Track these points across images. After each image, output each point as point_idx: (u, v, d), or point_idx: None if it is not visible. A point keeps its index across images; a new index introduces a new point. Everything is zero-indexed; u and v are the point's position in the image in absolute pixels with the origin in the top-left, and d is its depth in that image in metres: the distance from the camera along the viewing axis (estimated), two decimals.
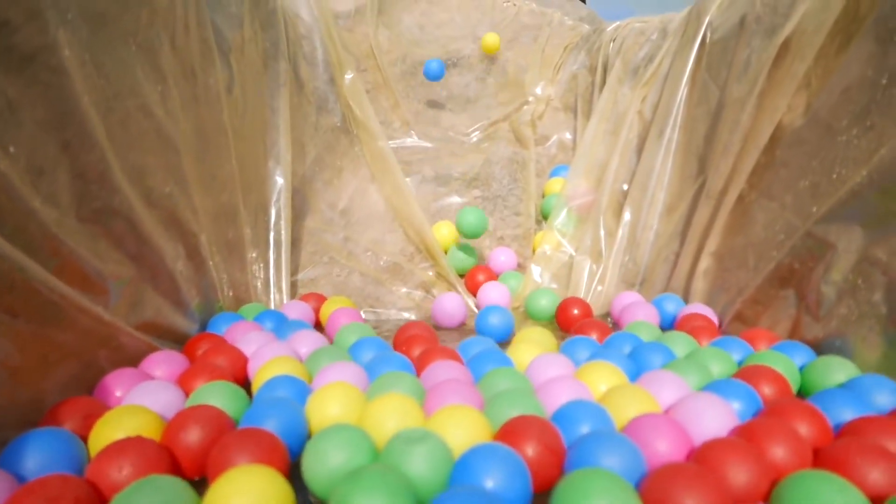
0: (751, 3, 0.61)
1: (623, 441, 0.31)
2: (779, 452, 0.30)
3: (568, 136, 0.99)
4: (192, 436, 0.34)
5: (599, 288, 0.71)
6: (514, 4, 1.48)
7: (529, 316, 0.66)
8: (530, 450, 0.31)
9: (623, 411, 0.35)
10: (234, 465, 0.31)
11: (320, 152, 0.88)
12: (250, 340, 0.50)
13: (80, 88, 0.39)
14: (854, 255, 0.44)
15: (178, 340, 0.51)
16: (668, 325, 0.61)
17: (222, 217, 0.61)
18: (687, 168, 0.68)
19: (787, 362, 0.43)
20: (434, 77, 1.00)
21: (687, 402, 0.35)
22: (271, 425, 0.35)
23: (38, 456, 0.31)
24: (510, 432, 0.32)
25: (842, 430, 0.33)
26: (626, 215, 0.72)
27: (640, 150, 0.77)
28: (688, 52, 0.71)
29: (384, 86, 1.11)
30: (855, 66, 0.47)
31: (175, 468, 0.33)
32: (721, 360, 0.44)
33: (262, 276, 0.67)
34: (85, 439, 0.34)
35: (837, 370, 0.42)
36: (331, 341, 0.55)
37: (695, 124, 0.68)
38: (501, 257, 0.78)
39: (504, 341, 0.57)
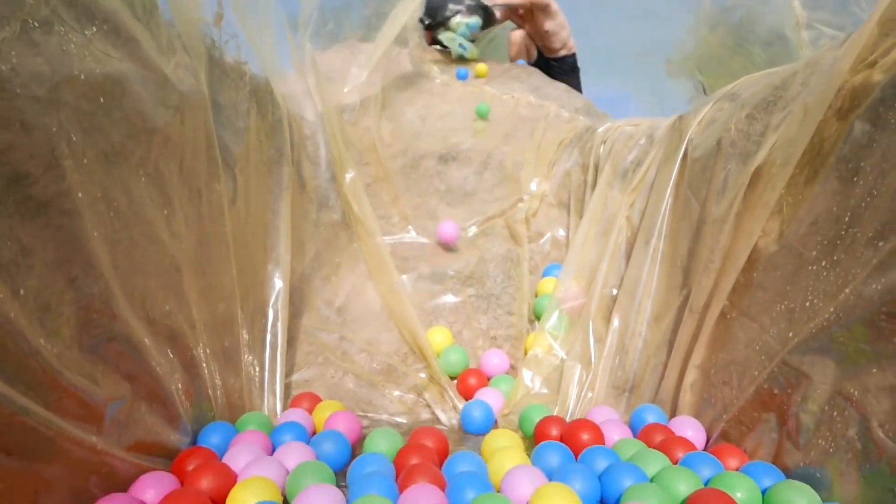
0: (726, 127, 0.65)
1: None
2: None
3: (561, 232, 1.02)
4: None
5: (589, 394, 0.72)
6: (514, 97, 1.55)
7: (522, 430, 0.66)
8: None
9: None
10: None
11: (319, 249, 0.91)
12: (239, 455, 0.51)
13: (91, 226, 0.42)
14: (828, 387, 0.45)
15: (170, 456, 0.52)
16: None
17: (220, 326, 0.63)
18: (672, 279, 0.70)
19: (751, 485, 0.44)
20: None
21: None
22: None
23: None
24: None
25: None
26: (615, 322, 0.74)
27: (628, 255, 0.79)
28: (671, 166, 0.74)
29: (385, 180, 1.15)
30: (821, 200, 0.50)
31: None
32: (688, 480, 0.45)
33: (256, 380, 0.69)
34: None
35: (799, 497, 0.42)
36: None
37: (678, 237, 0.70)
38: (494, 360, 0.79)
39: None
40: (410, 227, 1.03)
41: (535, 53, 1.97)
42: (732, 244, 0.59)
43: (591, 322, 0.75)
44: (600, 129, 1.06)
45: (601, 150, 1.01)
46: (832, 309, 0.45)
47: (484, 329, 0.86)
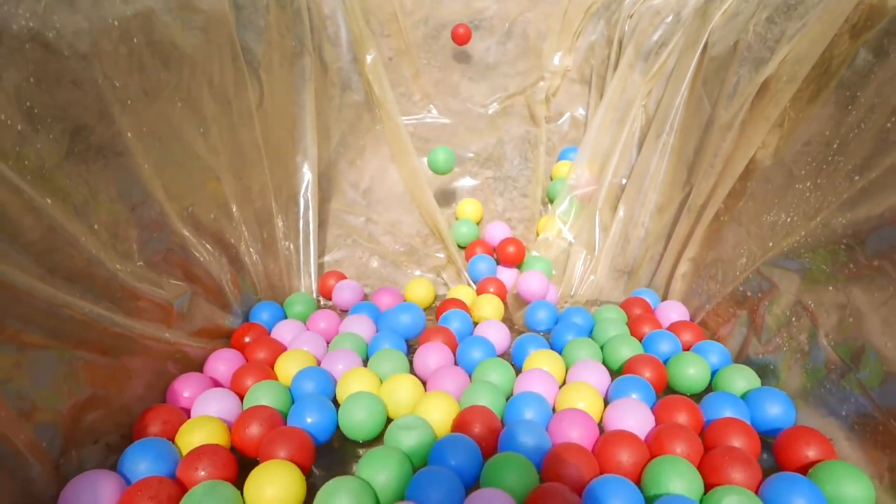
0: (745, 27, 0.64)
1: (535, 428, 0.46)
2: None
3: (581, 112, 1.03)
4: (253, 431, 0.46)
5: (592, 277, 0.79)
6: None
7: None
8: (476, 429, 0.47)
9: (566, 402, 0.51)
10: (274, 457, 0.43)
11: (344, 132, 0.95)
12: (284, 330, 0.63)
13: (141, 159, 0.47)
14: (791, 297, 0.52)
15: (227, 336, 0.62)
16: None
17: (258, 220, 0.70)
18: (678, 174, 0.73)
19: (703, 364, 0.55)
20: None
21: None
22: (308, 421, 0.48)
23: (144, 461, 0.42)
24: (464, 419, 0.48)
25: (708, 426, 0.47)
26: (621, 212, 0.79)
27: (640, 144, 0.82)
28: (690, 58, 0.74)
29: (406, 53, 1.14)
30: (817, 122, 0.52)
31: (235, 468, 0.44)
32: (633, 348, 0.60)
33: (293, 263, 0.77)
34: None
35: (740, 378, 0.53)
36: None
37: (688, 134, 0.72)
38: (495, 231, 0.86)
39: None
40: (432, 105, 1.05)
41: None
42: (734, 151, 0.62)
43: (598, 213, 0.80)
44: (628, 1, 1.01)
45: (626, 25, 0.98)
46: (803, 232, 0.49)
47: (500, 211, 0.92)
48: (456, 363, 0.59)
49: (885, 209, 0.41)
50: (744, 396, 0.52)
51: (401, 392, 0.52)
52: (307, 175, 0.81)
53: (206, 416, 0.48)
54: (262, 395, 0.51)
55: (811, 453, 0.44)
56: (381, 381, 0.55)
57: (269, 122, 0.72)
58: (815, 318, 0.49)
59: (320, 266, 0.82)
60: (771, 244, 0.55)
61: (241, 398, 0.52)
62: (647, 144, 0.78)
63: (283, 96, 0.77)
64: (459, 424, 0.48)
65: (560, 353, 0.60)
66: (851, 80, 0.49)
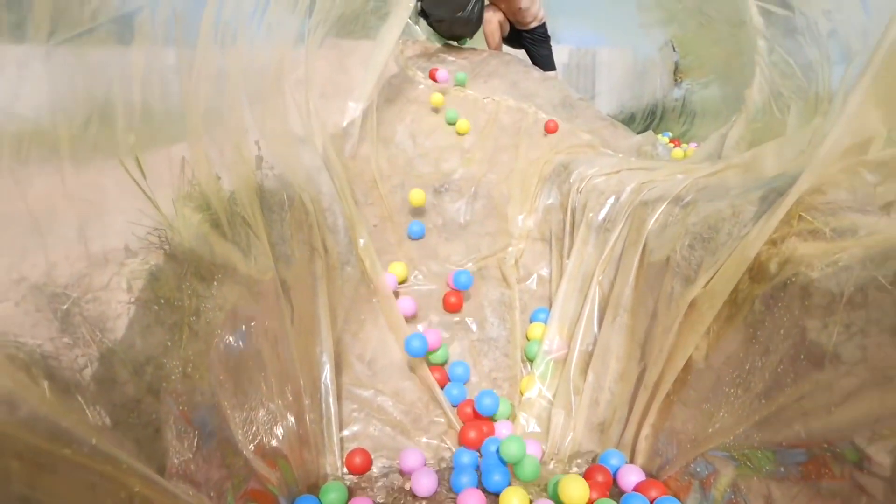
0: (672, 247, 0.84)
1: None
2: None
3: (545, 271, 1.22)
4: None
5: (571, 434, 0.95)
6: (494, 100, 1.69)
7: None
8: None
9: None
10: None
11: (347, 308, 1.10)
12: None
13: (229, 411, 0.61)
14: (729, 479, 0.68)
15: None
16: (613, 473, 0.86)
17: (296, 417, 0.83)
18: (633, 351, 0.91)
19: None
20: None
21: None
22: None
23: None
24: None
25: None
26: (590, 377, 0.96)
27: (601, 318, 1.00)
28: (633, 257, 0.93)
29: (389, 219, 1.32)
30: (732, 344, 0.71)
31: None
32: None
33: (320, 444, 0.90)
34: None
35: None
36: None
37: (638, 319, 0.91)
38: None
39: None
40: (417, 272, 1.21)
41: (507, 28, 2.07)
42: (675, 347, 0.80)
43: (570, 376, 0.97)
44: (573, 176, 1.22)
45: (577, 199, 1.18)
46: (732, 437, 0.67)
47: (486, 372, 1.07)
48: None
49: (781, 438, 0.59)
50: None
51: None
52: (326, 364, 0.95)
53: None
54: None
55: None
56: None
57: (298, 330, 0.87)
58: (746, 500, 0.66)
59: (340, 440, 0.95)
60: (710, 431, 0.73)
61: None
62: (605, 323, 0.96)
63: (303, 302, 0.92)
64: None
65: None
66: (751, 320, 0.68)
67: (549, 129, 1.50)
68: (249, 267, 0.67)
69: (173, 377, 0.51)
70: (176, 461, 0.51)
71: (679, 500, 0.77)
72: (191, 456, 0.53)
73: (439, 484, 0.84)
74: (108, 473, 0.39)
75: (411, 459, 0.87)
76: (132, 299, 0.50)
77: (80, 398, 0.41)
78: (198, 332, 0.55)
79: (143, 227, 0.53)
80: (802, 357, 0.59)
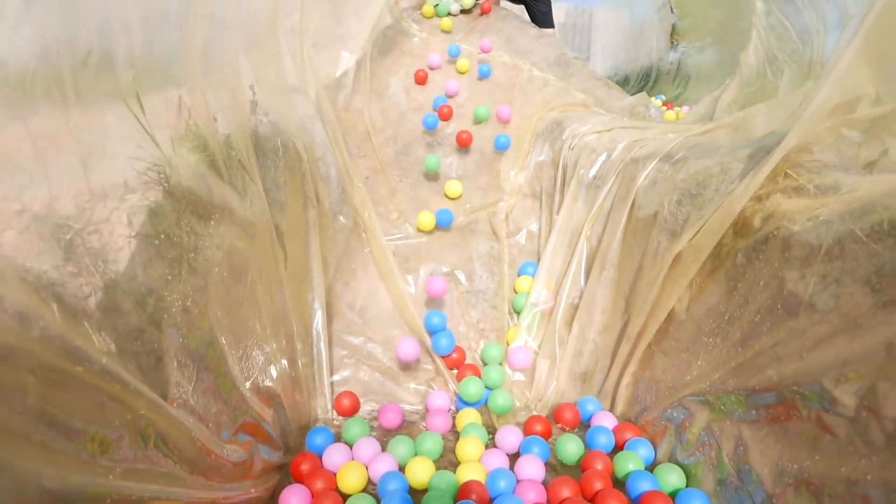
0: (661, 202, 0.86)
1: None
2: None
3: (534, 227, 1.23)
4: None
5: (554, 382, 0.98)
6: (489, 57, 1.67)
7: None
8: None
9: None
10: None
11: (338, 258, 1.11)
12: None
13: (228, 348, 0.63)
14: (704, 422, 0.72)
15: (275, 469, 0.77)
16: (587, 419, 0.90)
17: (289, 360, 0.85)
18: (617, 304, 0.94)
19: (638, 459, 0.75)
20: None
21: None
22: None
23: None
24: None
25: None
26: (575, 329, 0.99)
27: (587, 271, 1.02)
28: (622, 212, 0.95)
29: (381, 171, 1.32)
30: (714, 296, 0.73)
31: None
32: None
33: (312, 388, 0.93)
34: None
35: (672, 474, 0.71)
36: None
37: (623, 273, 0.93)
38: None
39: None
40: (408, 224, 1.23)
41: None
42: (658, 299, 0.83)
43: (556, 330, 1.00)
44: (566, 133, 1.23)
45: (568, 155, 1.19)
46: (708, 382, 0.70)
47: (474, 322, 1.10)
48: None
49: (755, 383, 0.62)
50: (674, 494, 0.71)
51: None
52: (318, 310, 0.97)
53: None
54: None
55: None
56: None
57: (291, 276, 0.88)
58: (719, 442, 0.69)
59: (331, 384, 0.98)
60: (688, 378, 0.76)
61: None
62: (592, 276, 0.99)
63: (297, 249, 0.93)
64: None
65: None
66: (733, 272, 0.70)
67: (462, 141, 1.34)
68: (245, 209, 0.68)
69: (174, 310, 0.52)
70: (177, 391, 0.53)
71: (654, 444, 0.81)
72: (190, 388, 0.55)
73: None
74: (116, 394, 0.41)
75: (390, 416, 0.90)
76: (133, 233, 0.51)
77: (86, 324, 0.42)
78: (196, 269, 0.57)
79: (142, 163, 0.53)
80: (779, 306, 0.61)
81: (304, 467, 0.77)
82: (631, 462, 0.76)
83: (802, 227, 0.61)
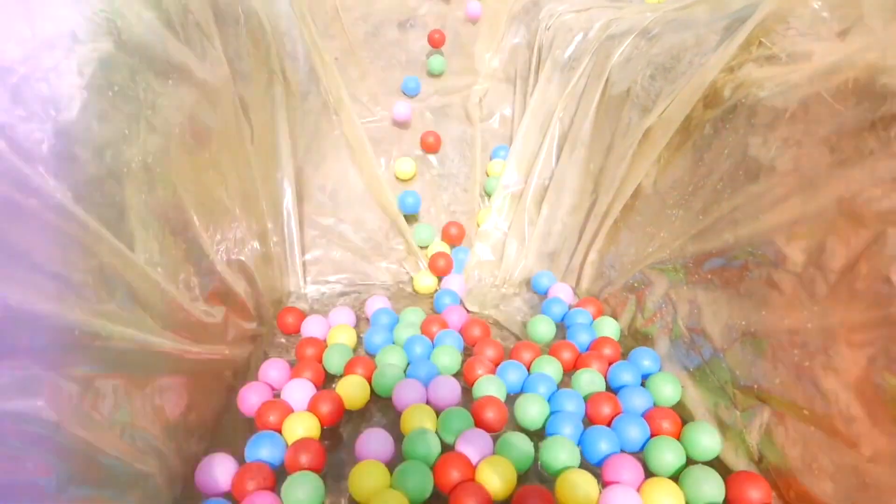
0: (634, 78, 0.85)
1: None
2: None
3: (508, 111, 1.21)
4: None
5: (523, 262, 1.01)
6: None
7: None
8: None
9: None
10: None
11: (308, 139, 1.09)
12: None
13: (193, 212, 0.63)
14: (662, 290, 0.75)
15: (252, 338, 0.80)
16: (542, 292, 0.94)
17: (259, 237, 0.85)
18: (586, 184, 0.95)
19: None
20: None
21: None
22: None
23: (264, 450, 0.61)
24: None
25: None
26: (544, 210, 1.00)
27: (559, 152, 1.02)
28: (595, 90, 0.94)
29: (351, 53, 1.27)
30: (680, 168, 0.74)
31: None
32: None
33: (284, 266, 0.94)
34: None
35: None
36: None
37: (593, 153, 0.93)
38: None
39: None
40: (379, 107, 1.20)
41: None
42: (626, 177, 0.84)
43: (526, 208, 1.01)
44: (542, 13, 1.18)
45: (544, 36, 1.15)
46: (669, 251, 0.72)
47: (445, 205, 1.11)
48: None
49: (712, 247, 0.64)
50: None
51: None
52: (287, 189, 0.96)
53: (302, 413, 0.66)
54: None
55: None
56: None
57: (258, 152, 0.87)
58: (675, 307, 0.73)
59: (303, 264, 0.99)
60: (650, 250, 0.78)
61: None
62: (563, 156, 0.99)
63: (263, 125, 0.91)
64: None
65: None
66: (700, 144, 0.71)
67: (428, 145, 1.15)
68: (205, 72, 0.65)
69: (133, 165, 0.51)
70: (143, 248, 0.53)
71: (616, 316, 0.85)
72: (156, 246, 0.55)
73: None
74: (77, 236, 0.41)
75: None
76: (84, 84, 0.49)
77: (41, 168, 0.41)
78: (156, 127, 0.55)
79: (89, 8, 0.50)
80: (741, 172, 0.62)
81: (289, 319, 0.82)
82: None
83: (770, 92, 0.61)
